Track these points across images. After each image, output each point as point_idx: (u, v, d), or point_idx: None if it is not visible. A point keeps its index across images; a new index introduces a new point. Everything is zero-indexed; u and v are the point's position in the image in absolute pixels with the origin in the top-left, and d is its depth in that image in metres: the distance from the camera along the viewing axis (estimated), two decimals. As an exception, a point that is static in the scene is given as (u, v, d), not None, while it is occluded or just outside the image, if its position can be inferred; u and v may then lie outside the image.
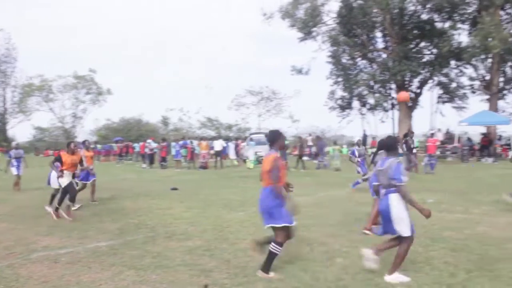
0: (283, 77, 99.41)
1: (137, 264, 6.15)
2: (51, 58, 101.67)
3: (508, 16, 30.70)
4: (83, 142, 13.03)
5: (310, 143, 32.73)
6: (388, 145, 5.66)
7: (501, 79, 33.45)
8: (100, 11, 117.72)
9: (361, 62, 37.84)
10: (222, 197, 12.88)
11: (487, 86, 33.00)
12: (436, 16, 34.14)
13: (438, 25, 34.27)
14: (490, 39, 26.53)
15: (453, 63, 34.48)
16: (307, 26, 34.22)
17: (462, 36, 35.48)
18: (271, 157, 5.54)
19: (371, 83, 35.71)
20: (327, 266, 5.85)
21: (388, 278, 5.24)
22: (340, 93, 38.04)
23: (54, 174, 10.63)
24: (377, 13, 33.95)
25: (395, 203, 5.24)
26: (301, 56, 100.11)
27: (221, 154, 27.33)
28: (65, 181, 9.81)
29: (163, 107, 77.70)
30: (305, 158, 31.56)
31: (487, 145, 28.51)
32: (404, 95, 11.96)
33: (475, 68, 34.01)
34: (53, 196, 10.64)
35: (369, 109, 38.17)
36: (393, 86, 36.23)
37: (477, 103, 51.89)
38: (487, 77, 33.27)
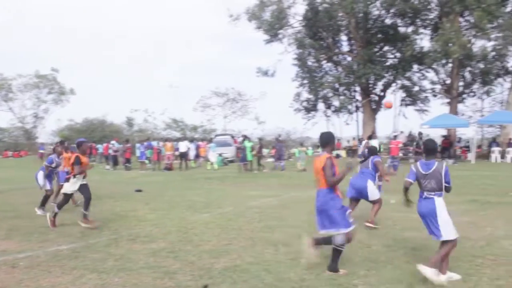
0: (249, 78, 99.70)
1: (99, 267, 6.04)
2: (12, 57, 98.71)
3: (467, 23, 31.61)
4: (62, 143, 12.35)
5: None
6: (430, 149, 5.74)
7: (461, 83, 34.47)
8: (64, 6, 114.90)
9: (327, 65, 38.25)
10: (186, 198, 12.81)
11: (447, 90, 33.94)
12: (399, 21, 34.92)
13: (401, 29, 35.07)
14: (450, 45, 27.26)
15: (415, 67, 35.30)
16: (273, 28, 34.36)
17: (424, 41, 36.30)
18: (323, 157, 5.76)
19: (336, 85, 36.14)
20: (290, 267, 5.89)
21: (443, 277, 5.29)
22: (305, 95, 38.37)
23: (41, 174, 10.44)
24: (342, 17, 34.44)
25: (442, 206, 5.45)
26: (268, 58, 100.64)
27: (186, 155, 27.18)
28: (75, 186, 8.78)
29: (128, 107, 76.40)
30: (270, 160, 31.84)
31: (448, 147, 29.25)
32: (389, 102, 12.33)
33: (436, 72, 34.94)
34: (45, 198, 10.51)
35: (334, 111, 38.68)
36: (358, 88, 36.84)
37: (438, 106, 53.37)
38: (448, 81, 34.22)
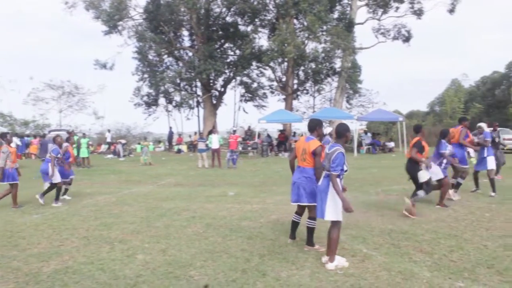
0: (86, 71, 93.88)
1: None
2: None
3: (301, 26, 33.95)
4: (4, 135, 11.05)
5: (121, 141, 31.92)
6: (337, 132, 5.65)
7: (295, 81, 36.97)
8: None
9: (168, 60, 38.04)
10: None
11: (283, 87, 36.16)
12: (239, 20, 36.19)
13: (242, 28, 36.39)
14: (286, 45, 29.06)
15: (254, 64, 36.91)
16: (113, 19, 32.97)
17: (262, 40, 38.17)
18: (316, 141, 6.08)
19: (177, 80, 36.16)
20: (126, 264, 5.73)
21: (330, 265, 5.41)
22: (146, 89, 37.71)
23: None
24: (184, 12, 34.48)
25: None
26: (107, 50, 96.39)
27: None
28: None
29: None
30: (109, 156, 30.69)
31: (284, 141, 31.20)
32: None
33: (273, 70, 36.97)
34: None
35: (175, 106, 38.65)
36: (199, 84, 37.28)
37: (275, 102, 56.43)
38: (284, 79, 36.45)
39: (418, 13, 34.76)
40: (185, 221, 8.30)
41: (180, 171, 19.23)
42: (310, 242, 6.28)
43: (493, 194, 10.68)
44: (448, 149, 9.49)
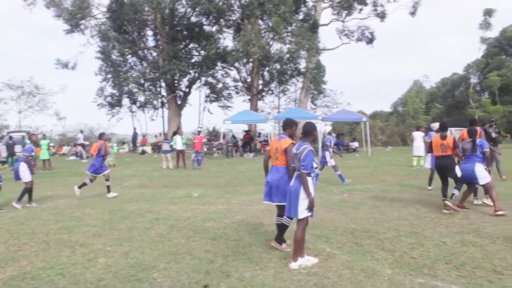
0: (48, 71, 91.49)
1: None
2: None
3: (266, 27, 34.10)
4: None
5: (82, 141, 31.30)
6: (303, 130, 5.63)
7: (260, 82, 37.09)
8: None
9: (132, 60, 37.61)
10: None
11: (248, 88, 36.23)
12: (204, 20, 36.08)
13: (206, 28, 36.29)
14: (251, 46, 29.10)
15: (219, 65, 36.84)
16: (74, 18, 32.33)
17: (227, 41, 38.29)
18: (288, 140, 6.03)
19: (142, 81, 35.76)
20: (87, 267, 5.60)
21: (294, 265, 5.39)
22: (109, 90, 37.15)
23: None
24: (148, 11, 34.11)
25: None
26: (69, 49, 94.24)
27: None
28: None
29: None
30: (71, 158, 30.06)
31: (249, 142, 31.24)
32: None
33: (238, 70, 36.99)
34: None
35: (139, 107, 38.22)
36: (163, 84, 36.95)
37: (240, 103, 56.52)
38: (249, 80, 36.50)
39: (381, 15, 35.50)
40: (148, 223, 8.19)
41: (144, 173, 19.00)
42: (279, 238, 6.32)
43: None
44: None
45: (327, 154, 14.00)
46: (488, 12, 40.25)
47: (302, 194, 5.39)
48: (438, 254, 5.88)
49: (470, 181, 8.88)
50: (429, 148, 10.07)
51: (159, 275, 5.27)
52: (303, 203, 5.39)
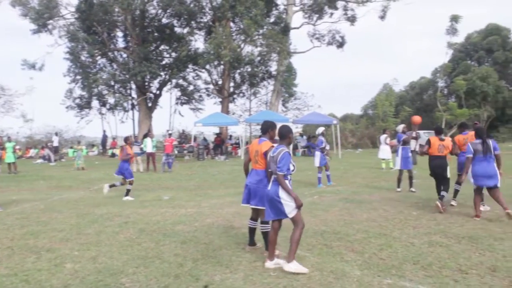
0: (14, 71, 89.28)
1: None
2: None
3: (238, 29, 34.12)
4: None
5: (57, 144, 30.79)
6: (279, 133, 5.65)
7: (231, 84, 37.08)
8: None
9: (101, 61, 37.13)
10: None
11: (219, 90, 36.17)
12: (176, 22, 35.84)
13: (178, 30, 36.05)
14: (222, 48, 29.05)
15: (190, 67, 36.68)
16: (42, 17, 31.67)
17: (199, 43, 38.15)
18: (268, 143, 5.97)
19: (111, 82, 35.30)
20: (53, 273, 5.47)
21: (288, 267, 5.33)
22: (78, 91, 36.59)
23: None
24: (119, 12, 33.70)
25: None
26: (36, 49, 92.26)
27: None
28: None
29: None
30: (39, 161, 29.44)
31: (220, 144, 31.16)
32: (417, 118, 12.21)
33: (210, 73, 36.94)
34: None
35: (109, 109, 37.81)
36: (134, 86, 36.56)
37: (211, 105, 56.37)
38: (220, 82, 36.45)
39: (352, 19, 35.92)
40: (117, 227, 8.07)
41: (114, 176, 18.68)
42: (252, 243, 6.30)
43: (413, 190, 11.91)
44: None
45: (317, 154, 13.99)
46: (455, 18, 41.23)
47: (283, 197, 5.37)
48: (406, 255, 5.98)
49: (483, 182, 8.34)
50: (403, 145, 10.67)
51: (128, 280, 5.19)
52: (287, 205, 5.37)
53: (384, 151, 18.54)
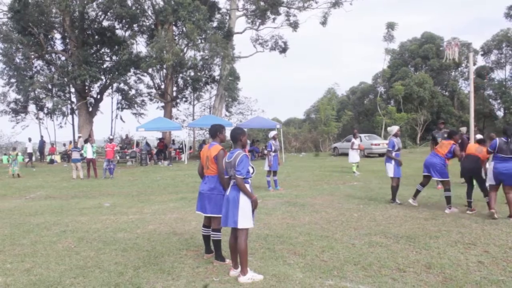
0: None
1: None
2: None
3: (180, 33, 33.84)
4: None
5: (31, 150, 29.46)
6: (231, 136, 5.48)
7: (174, 89, 36.72)
8: None
9: (38, 64, 35.74)
10: None
11: (162, 95, 35.70)
12: (117, 24, 35.07)
13: (119, 33, 35.29)
14: (164, 52, 28.70)
15: (132, 71, 35.98)
16: (-29, 16, 30.13)
17: (141, 46, 37.56)
18: (218, 147, 5.82)
19: (49, 86, 34.05)
20: (-17, 288, 5.19)
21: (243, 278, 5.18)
22: (13, 95, 35.05)
23: None
24: (56, 13, 32.52)
25: (242, 195, 5.33)
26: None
27: None
28: None
29: None
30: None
31: (163, 149, 30.72)
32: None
33: (152, 77, 36.37)
34: None
35: (47, 114, 36.45)
36: (73, 90, 35.45)
37: (154, 110, 55.62)
38: (163, 86, 35.98)
39: (294, 25, 36.48)
40: (55, 236, 7.76)
41: (53, 183, 18.03)
42: (219, 256, 5.99)
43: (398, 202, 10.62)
44: None
45: (270, 159, 13.83)
46: (391, 26, 42.70)
47: (242, 202, 5.26)
48: (347, 256, 6.10)
49: (504, 179, 8.39)
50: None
51: (65, 291, 5.00)
52: (242, 211, 5.25)
53: (354, 155, 18.34)
